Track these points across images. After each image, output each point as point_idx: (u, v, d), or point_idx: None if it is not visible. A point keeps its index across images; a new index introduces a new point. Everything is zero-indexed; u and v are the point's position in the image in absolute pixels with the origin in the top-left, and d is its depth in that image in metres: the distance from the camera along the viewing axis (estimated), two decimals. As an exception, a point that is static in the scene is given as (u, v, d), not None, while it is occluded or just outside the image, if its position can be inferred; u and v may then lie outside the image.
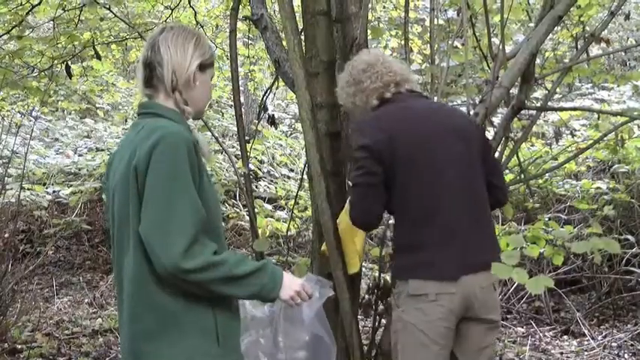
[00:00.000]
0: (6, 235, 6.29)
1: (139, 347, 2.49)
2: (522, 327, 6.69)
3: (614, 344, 6.17)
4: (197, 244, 2.41)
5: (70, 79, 5.90)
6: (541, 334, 6.49)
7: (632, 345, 6.16)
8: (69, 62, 5.77)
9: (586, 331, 6.43)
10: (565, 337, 6.53)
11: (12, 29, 5.84)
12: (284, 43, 4.01)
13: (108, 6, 5.62)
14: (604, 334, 6.47)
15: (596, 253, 2.69)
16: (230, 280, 2.47)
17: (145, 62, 2.62)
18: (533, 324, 6.68)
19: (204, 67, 2.66)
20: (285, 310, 2.86)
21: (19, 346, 6.22)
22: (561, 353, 6.11)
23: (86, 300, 7.74)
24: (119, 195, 2.51)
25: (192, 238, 2.39)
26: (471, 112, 3.80)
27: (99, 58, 6.03)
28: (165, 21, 7.92)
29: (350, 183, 3.29)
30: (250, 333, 2.92)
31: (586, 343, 6.29)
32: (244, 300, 2.79)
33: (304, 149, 3.94)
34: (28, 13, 6.07)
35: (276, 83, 5.07)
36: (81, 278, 8.45)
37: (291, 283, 2.63)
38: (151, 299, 2.47)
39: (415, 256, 3.09)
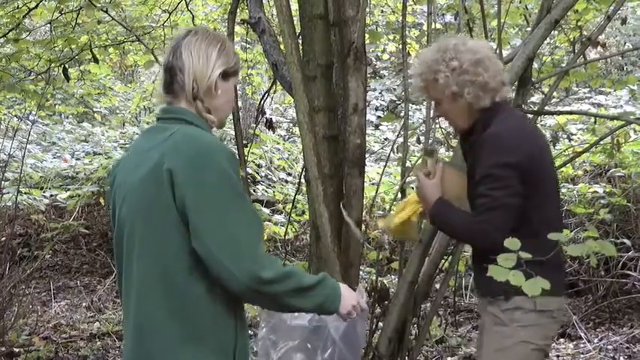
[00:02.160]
0: (3, 239, 6.29)
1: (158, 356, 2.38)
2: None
3: (609, 347, 6.18)
4: (265, 255, 2.36)
5: (68, 82, 5.91)
6: (538, 338, 6.48)
7: (627, 348, 6.17)
8: (66, 65, 5.76)
9: (582, 334, 6.43)
10: (562, 340, 6.53)
11: (9, 32, 5.84)
12: (282, 46, 4.02)
13: (105, 9, 5.62)
14: (600, 337, 6.47)
15: (592, 256, 2.67)
16: (300, 292, 2.41)
17: (166, 66, 2.53)
18: (530, 327, 6.67)
19: (228, 75, 2.55)
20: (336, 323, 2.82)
21: (17, 350, 6.21)
22: (557, 356, 6.11)
23: (84, 304, 7.73)
24: (136, 199, 2.40)
25: (261, 248, 2.35)
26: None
27: (96, 61, 6.04)
28: (163, 25, 7.93)
29: (487, 201, 2.91)
30: (287, 342, 2.88)
31: (582, 346, 6.29)
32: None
33: (302, 153, 3.93)
34: (25, 16, 6.07)
35: (274, 87, 5.07)
36: (78, 282, 8.44)
37: (349, 296, 2.59)
38: (174, 309, 2.35)
39: (544, 271, 2.89)
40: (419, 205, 3.25)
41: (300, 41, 3.81)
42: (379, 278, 4.13)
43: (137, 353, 2.41)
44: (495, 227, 2.86)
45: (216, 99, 2.52)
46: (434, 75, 3.04)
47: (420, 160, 4.19)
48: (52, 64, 6.04)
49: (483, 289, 3.09)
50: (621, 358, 6.01)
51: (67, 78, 5.51)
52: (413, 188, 5.24)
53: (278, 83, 4.67)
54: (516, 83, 3.96)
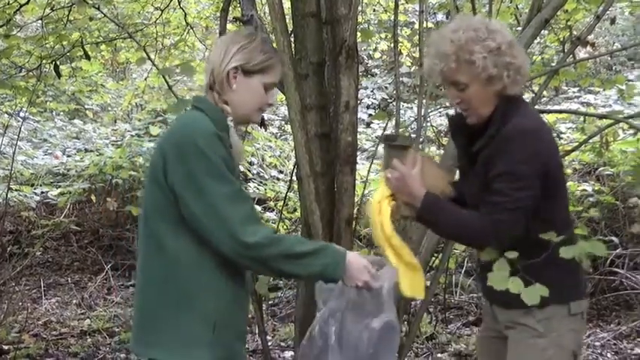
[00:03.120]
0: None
1: (144, 319, 2.65)
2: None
3: (597, 343, 6.20)
4: (254, 223, 2.54)
5: (59, 78, 5.90)
6: (527, 335, 6.49)
7: (615, 344, 6.20)
8: (57, 62, 5.74)
9: (571, 332, 6.44)
10: (551, 337, 6.55)
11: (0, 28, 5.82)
12: (274, 44, 4.02)
13: (97, 6, 5.61)
14: (588, 333, 6.49)
15: (584, 259, 2.66)
16: (291, 258, 2.55)
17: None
18: (520, 325, 6.69)
19: (249, 72, 2.68)
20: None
21: (6, 347, 6.20)
22: (546, 353, 6.12)
23: (74, 301, 7.71)
24: (148, 168, 2.68)
25: (245, 217, 2.52)
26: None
27: (88, 58, 6.02)
28: (155, 22, 7.91)
29: (507, 201, 2.72)
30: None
31: (571, 343, 6.31)
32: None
33: (293, 151, 3.94)
34: (16, 12, 6.04)
35: (266, 85, 5.07)
36: (69, 279, 8.41)
37: (357, 265, 2.65)
38: (169, 277, 2.58)
39: (574, 274, 2.93)
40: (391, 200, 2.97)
41: (292, 39, 3.81)
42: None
43: (134, 311, 2.73)
44: (512, 229, 2.72)
45: (234, 93, 2.68)
46: (469, 55, 2.72)
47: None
48: (44, 61, 6.02)
49: (514, 301, 2.76)
50: (608, 354, 6.04)
51: (59, 75, 5.50)
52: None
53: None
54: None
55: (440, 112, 8.03)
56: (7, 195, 6.63)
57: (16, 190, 8.60)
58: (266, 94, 2.73)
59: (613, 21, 7.65)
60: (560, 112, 7.17)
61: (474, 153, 2.87)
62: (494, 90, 2.78)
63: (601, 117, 4.19)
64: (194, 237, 2.54)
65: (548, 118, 7.71)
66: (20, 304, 7.32)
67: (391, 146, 2.96)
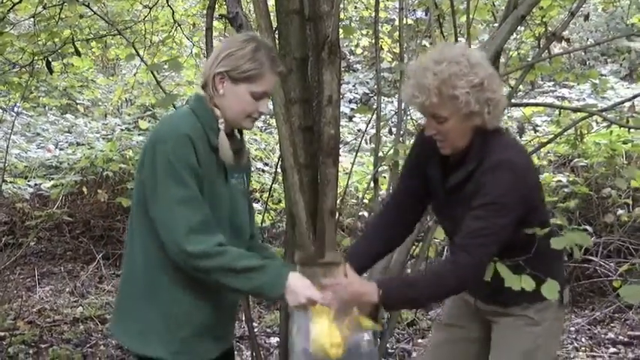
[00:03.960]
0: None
1: (119, 304, 2.80)
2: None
3: (572, 329, 6.23)
4: (202, 232, 2.52)
5: (51, 74, 5.85)
6: (505, 320, 6.51)
7: (589, 329, 6.23)
8: (49, 58, 5.71)
9: (547, 317, 6.46)
10: (527, 322, 6.57)
11: (-7, 26, 5.78)
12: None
13: (87, 4, 5.57)
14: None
15: (575, 249, 2.67)
16: (231, 272, 2.55)
17: None
18: (497, 311, 6.70)
19: (235, 79, 2.65)
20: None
21: (2, 334, 6.20)
22: (523, 338, 6.14)
23: (67, 289, 7.69)
24: (135, 177, 2.73)
25: (192, 225, 2.52)
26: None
27: (79, 54, 5.98)
28: (144, 19, 7.87)
29: (486, 226, 2.69)
30: None
31: (547, 328, 6.33)
32: None
33: (278, 144, 3.93)
34: (9, 11, 6.00)
35: (251, 80, 5.05)
36: (62, 268, 8.39)
37: (299, 285, 2.63)
38: (139, 272, 2.68)
39: (560, 265, 3.04)
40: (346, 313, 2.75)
41: (276, 35, 3.79)
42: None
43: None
44: (488, 254, 2.70)
45: (223, 98, 2.67)
46: (452, 90, 2.64)
47: (391, 151, 4.19)
48: (36, 57, 5.98)
49: (512, 299, 2.86)
50: (583, 339, 6.07)
51: (51, 71, 5.46)
52: (385, 178, 5.25)
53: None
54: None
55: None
56: (1, 187, 6.59)
57: (10, 182, 8.56)
58: (256, 102, 2.69)
59: (587, 17, 7.68)
60: (536, 105, 7.19)
61: (451, 185, 2.84)
62: (473, 124, 2.72)
63: (575, 110, 4.19)
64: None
65: (524, 111, 7.74)
66: (15, 292, 7.30)
67: (320, 264, 2.93)
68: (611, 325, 6.36)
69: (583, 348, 5.89)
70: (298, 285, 2.62)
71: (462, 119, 2.69)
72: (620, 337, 6.07)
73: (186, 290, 2.64)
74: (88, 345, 6.09)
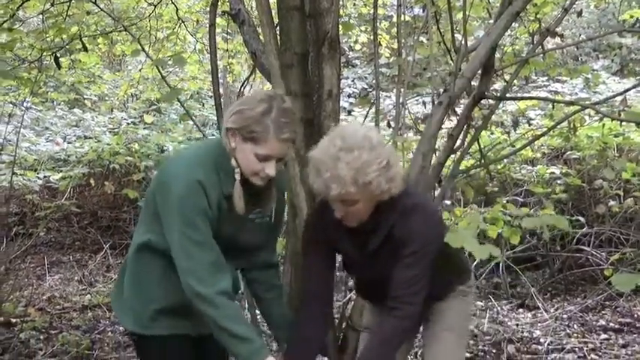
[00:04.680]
0: (-1, 217, 6.25)
1: (116, 289, 2.94)
2: (481, 301, 6.73)
3: (564, 316, 6.24)
4: (208, 276, 2.59)
5: (59, 69, 5.84)
6: (499, 308, 6.54)
7: (581, 317, 6.24)
8: (57, 54, 5.69)
9: (540, 305, 6.49)
10: (520, 310, 6.59)
11: (3, 22, 5.76)
12: (261, 36, 3.99)
13: (94, 1, 5.55)
14: (556, 307, 6.53)
15: (544, 229, 2.71)
16: (215, 325, 2.59)
17: None
18: (492, 298, 6.73)
19: (244, 138, 2.58)
20: None
21: (14, 320, 6.21)
22: (517, 325, 6.16)
23: (76, 277, 7.71)
24: (148, 195, 2.74)
25: (200, 268, 2.59)
26: (436, 102, 3.81)
27: (86, 50, 5.97)
28: (149, 16, 7.86)
29: (418, 274, 2.76)
30: None
31: (539, 315, 6.35)
32: None
33: (280, 137, 3.90)
34: (19, 8, 5.99)
35: (254, 74, 5.04)
36: (71, 257, 8.41)
37: None
38: (133, 263, 2.81)
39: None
40: None
41: (277, 31, 3.78)
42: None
43: None
44: (423, 295, 2.78)
45: (235, 151, 2.61)
46: (366, 177, 2.57)
47: (390, 142, 4.18)
48: (44, 53, 5.96)
49: (456, 282, 3.08)
50: (575, 325, 6.07)
51: (59, 66, 5.45)
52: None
53: (257, 71, 4.63)
54: (480, 71, 3.96)
55: (417, 101, 8.04)
56: (11, 179, 6.59)
57: (20, 174, 8.57)
58: (260, 162, 2.60)
59: (580, 14, 7.63)
60: (531, 98, 7.16)
61: (370, 250, 2.83)
62: (380, 199, 2.69)
63: (569, 103, 4.16)
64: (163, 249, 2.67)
65: (519, 105, 7.74)
66: (26, 280, 7.33)
67: None
68: (603, 312, 6.36)
69: (575, 334, 5.89)
70: None
71: (371, 199, 2.67)
72: (611, 324, 6.07)
73: (165, 273, 2.72)
74: (96, 331, 6.10)
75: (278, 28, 3.83)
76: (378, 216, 2.73)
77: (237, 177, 2.63)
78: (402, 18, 4.42)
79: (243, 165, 2.61)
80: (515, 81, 4.83)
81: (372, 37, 5.57)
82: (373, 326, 3.00)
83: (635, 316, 6.16)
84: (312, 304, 2.93)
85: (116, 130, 9.75)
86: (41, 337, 6.01)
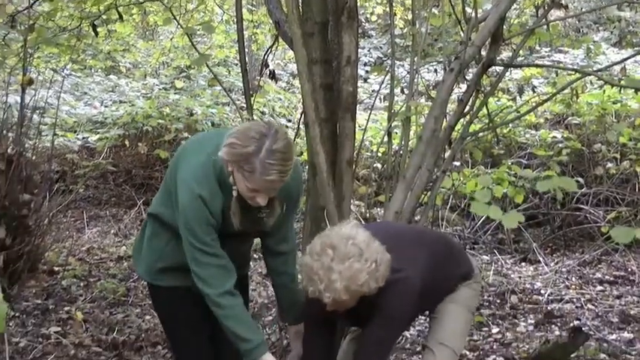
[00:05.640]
0: (42, 170, 6.26)
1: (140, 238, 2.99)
2: (487, 255, 6.72)
3: (564, 270, 6.23)
4: (212, 278, 2.67)
5: (96, 36, 5.81)
6: (503, 262, 6.53)
7: (579, 270, 6.24)
8: (95, 23, 5.66)
9: (541, 259, 6.47)
10: (523, 263, 6.58)
11: (46, -7, 5.74)
12: (284, 7, 3.95)
13: (129, -27, 5.51)
14: (556, 261, 6.52)
15: (557, 191, 2.69)
16: (220, 321, 2.70)
17: None
18: (497, 253, 6.72)
19: (236, 168, 2.50)
20: None
21: (56, 269, 6.28)
22: (519, 277, 6.16)
23: (112, 231, 7.76)
24: (167, 175, 2.78)
25: (204, 270, 2.67)
26: (447, 69, 3.77)
27: (121, 18, 5.91)
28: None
29: (385, 338, 2.78)
30: None
31: (540, 268, 6.34)
32: None
33: (300, 102, 3.89)
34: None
35: (277, 43, 4.99)
36: (107, 212, 8.45)
37: None
38: (148, 225, 2.93)
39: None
40: None
41: (299, 2, 3.74)
42: (367, 210, 4.12)
43: None
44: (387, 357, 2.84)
45: (232, 174, 2.55)
46: (359, 284, 2.54)
47: (403, 107, 4.15)
48: (83, 22, 5.94)
49: (459, 279, 3.03)
50: (573, 278, 6.07)
51: (96, 34, 5.42)
52: (397, 133, 5.21)
53: (280, 40, 4.59)
54: (489, 40, 3.91)
55: (428, 70, 7.98)
56: (53, 140, 6.60)
57: (61, 135, 8.62)
58: (251, 192, 2.54)
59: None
60: (537, 66, 7.11)
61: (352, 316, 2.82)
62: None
63: (573, 70, 4.13)
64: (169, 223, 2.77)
65: (524, 72, 7.67)
66: (67, 232, 7.38)
67: None
68: (599, 266, 6.35)
69: (573, 286, 5.88)
70: None
71: (358, 295, 2.61)
72: (607, 277, 6.06)
73: (169, 242, 2.81)
74: (131, 280, 6.14)
75: (300, -2, 3.79)
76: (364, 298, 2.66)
77: (235, 194, 2.58)
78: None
79: (239, 188, 2.56)
80: (520, 51, 4.77)
81: (387, 9, 5.52)
82: None
83: (629, 269, 6.14)
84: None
85: (149, 95, 9.75)
86: (81, 284, 6.07)
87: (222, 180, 2.59)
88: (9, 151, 3.00)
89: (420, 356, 3.26)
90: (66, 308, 5.52)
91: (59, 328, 5.12)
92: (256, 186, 2.49)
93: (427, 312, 3.11)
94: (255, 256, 3.20)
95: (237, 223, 2.63)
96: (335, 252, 2.53)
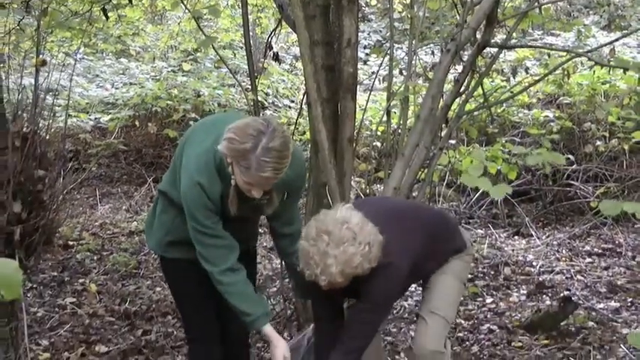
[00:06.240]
0: (56, 148, 6.24)
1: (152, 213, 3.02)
2: (482, 229, 6.73)
3: (554, 243, 6.24)
4: (213, 258, 2.71)
5: (107, 20, 5.75)
6: (497, 235, 6.53)
7: (569, 243, 6.25)
8: (105, 7, 5.62)
9: (533, 233, 6.48)
10: (516, 237, 6.59)
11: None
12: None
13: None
14: (547, 234, 6.53)
15: (546, 165, 2.67)
16: (224, 296, 2.76)
17: None
18: (491, 227, 6.72)
19: (233, 161, 2.50)
20: None
21: (71, 243, 6.30)
22: (512, 250, 6.17)
23: (124, 207, 7.76)
24: (175, 156, 2.83)
25: (205, 249, 2.71)
26: (444, 50, 3.76)
27: (131, 3, 5.87)
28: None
29: (367, 327, 2.79)
30: None
31: (532, 242, 6.35)
32: None
33: (303, 83, 3.88)
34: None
35: (280, 26, 4.95)
36: (119, 189, 8.45)
37: (280, 349, 2.79)
38: (158, 201, 2.96)
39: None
40: None
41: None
42: (367, 186, 4.11)
43: None
44: (371, 337, 2.83)
45: (231, 166, 2.54)
46: (354, 267, 2.54)
47: (402, 87, 4.13)
48: (94, 6, 5.89)
49: (452, 252, 3.02)
50: (563, 251, 6.08)
51: (107, 17, 5.36)
52: (396, 112, 5.19)
53: (283, 23, 4.56)
54: (484, 23, 3.89)
55: (426, 52, 7.93)
56: (66, 120, 6.59)
57: (74, 116, 8.59)
58: (247, 185, 2.53)
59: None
60: (530, 47, 7.08)
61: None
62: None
63: (564, 51, 4.10)
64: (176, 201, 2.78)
65: (518, 54, 7.63)
66: (80, 209, 7.39)
67: None
68: (588, 239, 6.35)
69: (563, 259, 5.89)
70: (276, 346, 2.80)
71: (352, 276, 2.60)
72: (595, 250, 6.07)
73: (176, 218, 2.82)
74: (142, 253, 6.16)
75: (303, -18, 3.75)
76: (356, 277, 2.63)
77: (233, 183, 2.58)
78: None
79: (237, 179, 2.55)
80: (514, 34, 4.74)
81: (386, -7, 5.48)
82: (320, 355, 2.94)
83: (617, 242, 6.15)
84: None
85: (158, 77, 9.71)
86: (95, 257, 6.09)
87: (222, 169, 2.59)
88: (24, 129, 3.00)
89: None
90: (80, 280, 5.56)
91: (74, 299, 5.15)
92: (251, 180, 2.50)
93: (420, 281, 3.12)
94: (260, 230, 3.19)
95: (234, 210, 2.64)
96: (330, 237, 2.53)
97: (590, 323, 4.53)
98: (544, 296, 5.14)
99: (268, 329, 2.79)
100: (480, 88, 4.12)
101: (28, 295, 5.13)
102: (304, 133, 7.80)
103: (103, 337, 4.53)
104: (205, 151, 2.62)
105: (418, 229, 2.89)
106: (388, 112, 4.12)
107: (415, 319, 3.15)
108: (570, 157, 6.74)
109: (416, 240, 2.84)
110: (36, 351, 4.28)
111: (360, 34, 3.86)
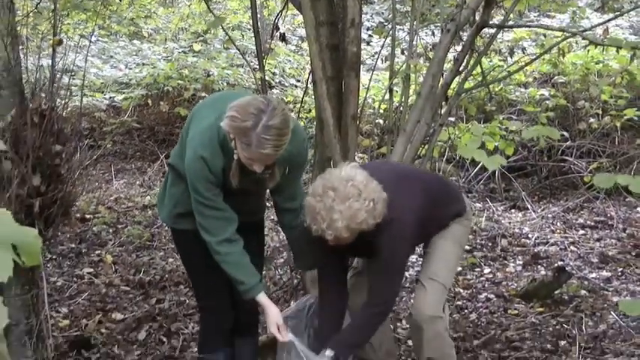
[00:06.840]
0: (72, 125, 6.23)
1: (163, 187, 3.02)
2: (480, 203, 6.72)
3: (549, 215, 6.23)
4: (212, 228, 2.72)
5: (120, 1, 5.73)
6: (494, 209, 6.53)
7: (563, 216, 6.24)
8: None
9: (529, 206, 6.47)
10: (512, 210, 6.58)
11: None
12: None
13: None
14: (542, 208, 6.52)
15: (541, 139, 2.66)
16: (220, 264, 2.77)
17: None
18: (489, 200, 6.71)
19: (235, 138, 2.50)
20: None
21: (88, 216, 6.32)
22: (509, 222, 6.17)
23: (137, 182, 7.77)
24: (182, 130, 2.83)
25: (205, 220, 2.72)
26: (444, 30, 3.73)
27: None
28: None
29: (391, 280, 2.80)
30: None
31: (528, 215, 6.35)
32: None
33: (309, 63, 3.85)
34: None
35: (286, 8, 4.92)
36: (133, 165, 8.46)
37: (274, 316, 2.81)
38: (168, 175, 2.97)
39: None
40: None
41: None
42: (371, 161, 4.09)
43: None
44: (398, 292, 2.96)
45: (234, 141, 2.54)
46: (359, 223, 2.54)
47: (403, 66, 4.11)
48: (108, -12, 5.87)
49: (452, 216, 3.01)
50: (558, 223, 6.08)
51: None
52: (398, 91, 5.16)
53: (290, 5, 4.52)
54: (483, 3, 3.85)
55: (426, 32, 7.88)
56: (82, 99, 6.58)
57: (90, 96, 8.59)
58: (248, 160, 2.53)
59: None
60: (527, 26, 7.03)
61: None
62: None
63: (560, 31, 4.06)
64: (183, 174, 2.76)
65: (515, 35, 7.59)
66: (96, 184, 7.41)
67: None
68: (581, 212, 6.34)
69: (558, 231, 5.89)
70: (272, 313, 2.81)
71: (357, 232, 2.60)
72: (588, 222, 6.06)
73: (185, 190, 2.78)
74: (155, 226, 6.17)
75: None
76: (362, 234, 2.64)
77: (236, 157, 2.57)
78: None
79: (239, 154, 2.55)
80: (511, 15, 4.70)
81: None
82: (352, 313, 2.95)
83: (608, 215, 6.14)
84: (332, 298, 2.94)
85: (169, 58, 9.68)
86: (110, 230, 6.11)
87: (225, 144, 2.59)
88: (42, 106, 3.00)
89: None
90: (97, 252, 5.58)
91: (91, 270, 5.19)
92: (252, 157, 2.51)
93: (421, 247, 3.13)
94: (268, 204, 3.18)
95: (235, 183, 2.64)
96: (336, 193, 2.54)
97: (583, 292, 4.55)
98: (539, 266, 5.15)
99: (262, 298, 2.80)
100: (478, 67, 4.09)
101: (48, 265, 5.16)
102: (310, 110, 7.77)
103: (119, 305, 4.57)
104: (209, 127, 2.62)
105: (420, 190, 2.89)
106: (390, 90, 4.10)
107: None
108: (565, 133, 6.73)
109: (418, 199, 2.84)
110: (56, 318, 4.32)
111: (363, 16, 3.83)
